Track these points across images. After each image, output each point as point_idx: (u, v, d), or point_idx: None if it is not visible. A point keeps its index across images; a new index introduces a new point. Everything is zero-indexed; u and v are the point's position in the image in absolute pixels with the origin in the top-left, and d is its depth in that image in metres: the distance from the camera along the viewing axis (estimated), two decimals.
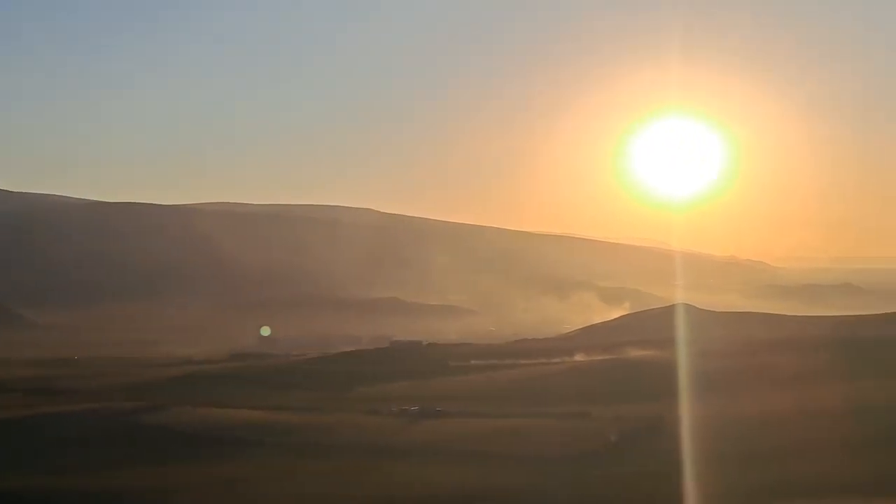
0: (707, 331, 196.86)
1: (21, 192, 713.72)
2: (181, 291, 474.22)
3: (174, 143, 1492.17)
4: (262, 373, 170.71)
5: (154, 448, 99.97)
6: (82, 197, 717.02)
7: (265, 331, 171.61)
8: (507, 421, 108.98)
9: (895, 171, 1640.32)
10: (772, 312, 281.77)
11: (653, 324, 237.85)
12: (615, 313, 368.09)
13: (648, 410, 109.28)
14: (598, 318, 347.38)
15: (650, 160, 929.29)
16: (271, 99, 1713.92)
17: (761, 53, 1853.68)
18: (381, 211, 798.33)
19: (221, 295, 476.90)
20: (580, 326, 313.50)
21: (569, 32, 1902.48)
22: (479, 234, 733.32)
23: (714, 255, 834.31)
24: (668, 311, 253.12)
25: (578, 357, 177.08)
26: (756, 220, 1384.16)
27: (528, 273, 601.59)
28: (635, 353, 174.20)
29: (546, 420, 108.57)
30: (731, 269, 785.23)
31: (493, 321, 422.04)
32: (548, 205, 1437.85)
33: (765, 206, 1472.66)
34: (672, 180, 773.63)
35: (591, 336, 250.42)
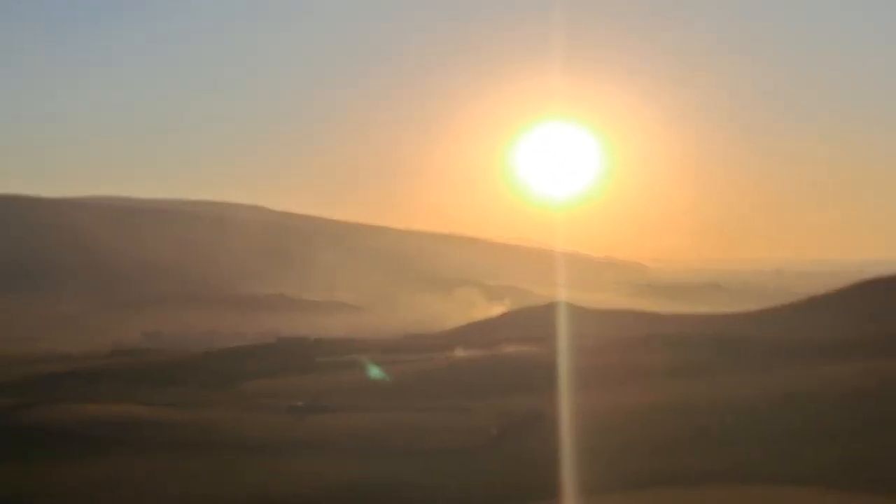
0: (585, 328, 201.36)
1: None
2: (61, 287, 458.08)
3: (54, 133, 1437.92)
4: (144, 369, 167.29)
5: (30, 446, 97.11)
6: None
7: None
8: (391, 416, 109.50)
9: (760, 175, 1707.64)
10: (646, 310, 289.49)
11: (533, 321, 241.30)
12: (497, 310, 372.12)
13: (528, 405, 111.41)
14: (480, 315, 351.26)
15: (535, 163, 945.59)
16: (158, 92, 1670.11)
17: (637, 63, 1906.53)
18: (271, 208, 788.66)
19: (103, 291, 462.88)
20: (463, 323, 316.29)
21: (461, 39, 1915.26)
22: (367, 233, 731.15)
23: (593, 255, 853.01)
24: (548, 309, 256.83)
25: (461, 353, 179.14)
26: (633, 222, 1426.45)
27: (414, 271, 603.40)
28: (516, 349, 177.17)
29: (429, 415, 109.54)
30: (609, 268, 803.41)
31: (380, 317, 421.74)
32: (436, 205, 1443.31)
33: (641, 208, 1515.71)
34: (555, 183, 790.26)
35: (474, 333, 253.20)
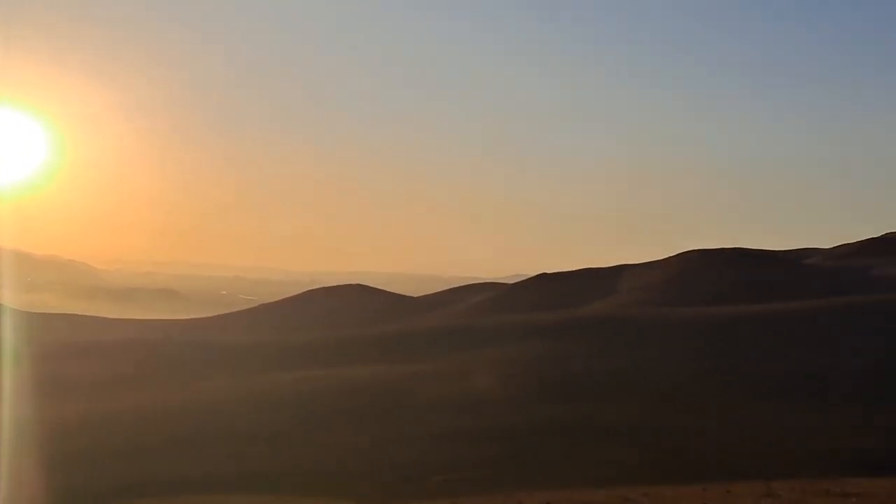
0: (24, 333, 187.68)
1: None
2: None
3: None
4: None
5: None
6: None
7: None
8: None
9: (223, 179, 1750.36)
10: (95, 315, 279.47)
11: None
12: None
13: None
14: None
15: None
16: None
17: (98, 53, 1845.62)
18: None
19: None
20: None
21: None
22: None
23: (34, 253, 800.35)
24: None
25: None
26: (80, 220, 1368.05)
27: None
28: None
29: None
30: (52, 268, 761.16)
31: None
32: None
33: (91, 205, 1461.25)
34: None
35: None
